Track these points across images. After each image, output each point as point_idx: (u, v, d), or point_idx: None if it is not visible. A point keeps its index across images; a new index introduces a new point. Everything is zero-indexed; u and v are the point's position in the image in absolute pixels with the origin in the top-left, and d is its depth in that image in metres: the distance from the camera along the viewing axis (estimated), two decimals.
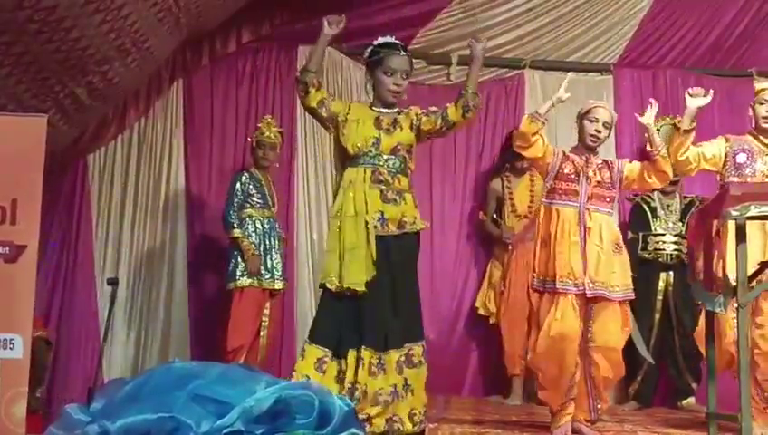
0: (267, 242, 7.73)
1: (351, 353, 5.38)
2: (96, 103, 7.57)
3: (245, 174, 7.81)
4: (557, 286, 5.78)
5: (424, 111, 5.71)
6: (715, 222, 5.40)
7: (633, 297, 6.00)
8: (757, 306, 5.97)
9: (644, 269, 7.84)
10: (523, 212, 8.24)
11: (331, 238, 5.59)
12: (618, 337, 5.92)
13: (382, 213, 5.46)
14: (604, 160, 6.09)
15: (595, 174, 5.94)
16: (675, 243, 7.98)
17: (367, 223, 5.41)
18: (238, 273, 7.61)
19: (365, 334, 5.37)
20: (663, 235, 8.02)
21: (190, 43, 8.49)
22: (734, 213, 4.78)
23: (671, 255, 7.98)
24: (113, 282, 6.93)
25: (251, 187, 7.76)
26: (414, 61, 8.81)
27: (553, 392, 5.89)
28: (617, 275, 5.87)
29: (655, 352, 7.97)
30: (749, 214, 4.78)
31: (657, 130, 6.33)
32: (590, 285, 5.77)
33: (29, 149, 5.63)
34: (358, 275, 5.37)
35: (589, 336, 5.84)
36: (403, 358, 5.41)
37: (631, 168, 6.06)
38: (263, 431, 4.16)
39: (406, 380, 5.40)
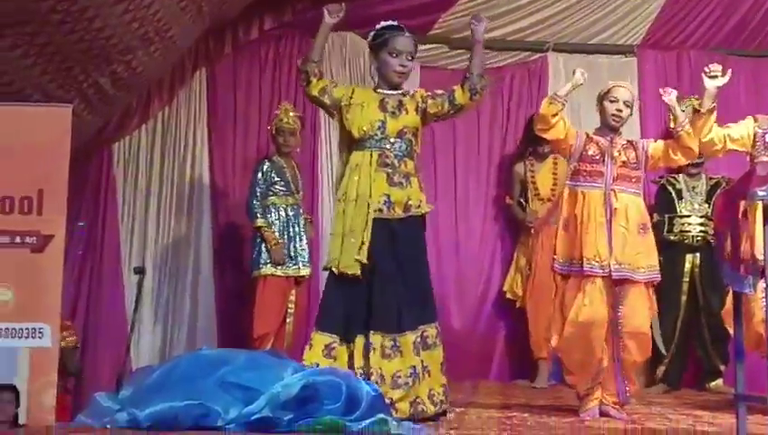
0: (291, 229, 7.73)
1: (359, 339, 5.38)
2: (120, 93, 7.59)
3: (267, 162, 7.80)
4: (584, 268, 5.76)
5: (429, 93, 5.69)
6: (743, 203, 5.35)
7: (659, 279, 5.97)
8: None
9: (670, 251, 7.80)
10: (546, 196, 8.21)
11: (336, 222, 5.59)
12: (646, 320, 5.91)
13: (388, 196, 5.45)
14: (629, 141, 6.06)
15: (620, 154, 5.91)
16: (701, 224, 7.94)
17: (369, 206, 5.39)
18: (262, 261, 7.61)
19: (373, 318, 5.36)
20: (688, 216, 7.98)
21: (213, 31, 8.49)
22: (761, 193, 4.73)
23: (697, 236, 7.94)
24: (140, 271, 6.96)
25: (273, 175, 7.74)
26: (436, 45, 8.92)
27: (581, 377, 5.88)
28: (642, 257, 5.85)
29: (682, 334, 7.94)
30: None
31: (682, 110, 6.28)
32: (616, 266, 5.75)
33: (55, 140, 5.67)
34: (352, 259, 5.37)
35: (618, 321, 5.81)
36: (419, 339, 5.40)
37: (656, 146, 6.03)
38: (290, 417, 4.18)
39: (422, 361, 5.40)
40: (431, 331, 5.49)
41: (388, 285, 5.38)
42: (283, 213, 7.73)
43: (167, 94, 8.70)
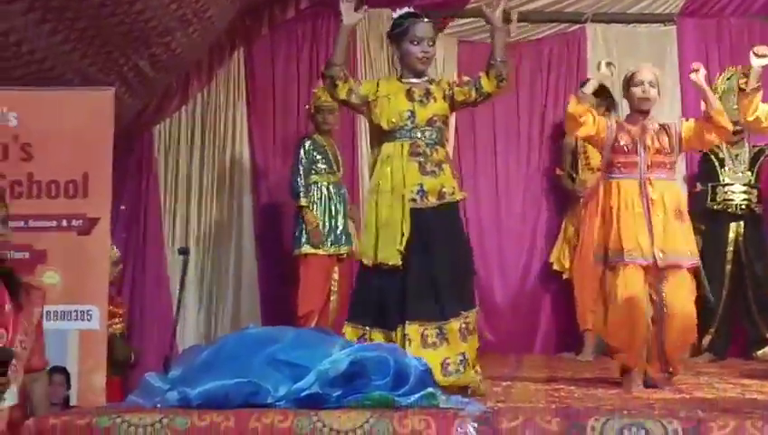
0: (333, 208, 7.76)
1: (398, 330, 5.37)
2: (159, 75, 7.64)
3: (309, 141, 7.83)
4: (625, 259, 5.76)
5: (456, 80, 5.63)
6: None
7: (700, 263, 5.96)
8: None
9: (713, 220, 7.78)
10: (597, 165, 8.14)
11: (368, 214, 5.51)
12: (691, 303, 5.88)
13: (421, 185, 5.39)
14: (661, 125, 6.00)
15: (653, 141, 5.87)
16: (744, 193, 7.88)
17: (404, 197, 5.37)
18: (303, 240, 7.65)
19: (409, 309, 5.33)
20: (732, 184, 7.93)
21: (249, 11, 8.52)
22: None
23: (741, 205, 7.89)
24: (184, 251, 6.99)
25: (315, 153, 7.78)
26: (473, 19, 8.87)
27: (629, 354, 5.87)
28: (683, 241, 5.83)
29: (727, 303, 7.91)
30: None
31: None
32: (661, 255, 5.73)
33: (98, 123, 5.74)
34: (392, 250, 5.35)
35: (662, 304, 5.80)
36: (464, 326, 5.40)
37: (688, 126, 5.97)
38: (339, 393, 4.18)
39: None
40: (472, 316, 5.48)
41: (423, 275, 5.34)
42: (325, 190, 7.76)
43: (205, 75, 8.75)
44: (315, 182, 7.75)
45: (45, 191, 5.73)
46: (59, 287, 5.50)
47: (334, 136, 8.04)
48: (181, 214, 8.72)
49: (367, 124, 8.55)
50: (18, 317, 4.11)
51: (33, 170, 5.74)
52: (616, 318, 5.80)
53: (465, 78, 5.61)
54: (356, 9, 5.56)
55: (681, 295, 5.82)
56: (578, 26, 9.02)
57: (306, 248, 7.64)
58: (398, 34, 5.52)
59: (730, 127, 5.96)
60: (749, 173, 7.92)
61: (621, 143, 5.88)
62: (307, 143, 7.79)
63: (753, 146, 8.03)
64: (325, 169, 7.78)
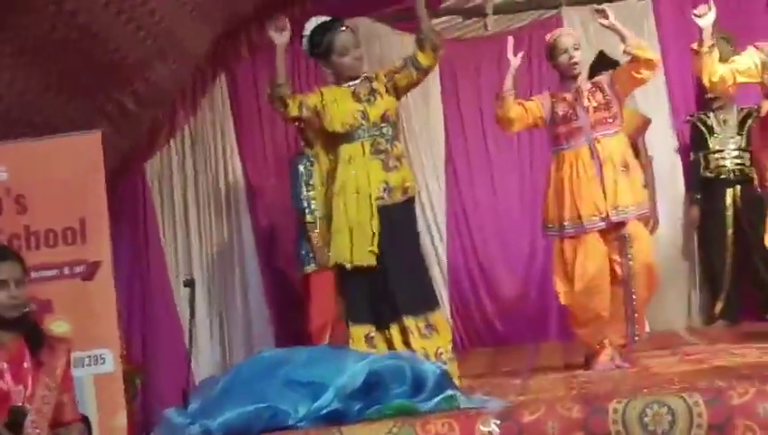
0: None
1: (393, 326, 5.37)
2: (144, 110, 7.65)
3: (304, 158, 7.80)
4: (585, 226, 5.79)
5: (389, 69, 5.58)
6: None
7: (648, 213, 6.10)
8: None
9: (709, 188, 7.81)
10: None
11: (337, 217, 5.45)
12: (651, 254, 5.96)
13: (387, 183, 5.39)
14: (593, 83, 6.02)
15: (590, 100, 5.89)
16: (736, 157, 7.87)
17: (371, 196, 5.37)
18: (309, 258, 7.64)
19: (400, 303, 5.35)
20: (722, 151, 7.92)
21: (228, 35, 8.52)
22: None
23: (734, 170, 7.87)
24: (190, 283, 6.96)
25: (312, 168, 7.75)
26: (448, 18, 8.85)
27: (593, 329, 5.91)
28: (629, 195, 5.85)
29: (734, 268, 7.90)
30: None
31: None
32: (613, 211, 5.77)
33: (89, 167, 5.72)
34: (365, 251, 5.35)
35: (629, 263, 5.84)
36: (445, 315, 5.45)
37: (616, 72, 6.00)
38: (360, 407, 4.18)
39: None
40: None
41: (403, 269, 5.37)
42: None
43: (191, 104, 8.74)
44: (315, 198, 7.73)
45: (44, 241, 5.71)
46: (68, 335, 5.49)
47: None
48: (183, 245, 8.71)
49: None
50: (38, 373, 4.13)
51: (29, 222, 5.72)
52: (581, 289, 5.84)
53: (398, 63, 5.59)
54: (283, 29, 5.52)
55: (643, 249, 5.87)
56: (553, 12, 8.96)
57: (313, 267, 7.63)
58: (322, 53, 5.49)
59: (655, 56, 5.95)
60: (739, 137, 7.90)
61: (560, 113, 5.91)
62: (303, 160, 7.77)
63: (741, 109, 8.00)
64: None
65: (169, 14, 6.72)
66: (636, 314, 5.93)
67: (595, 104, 5.88)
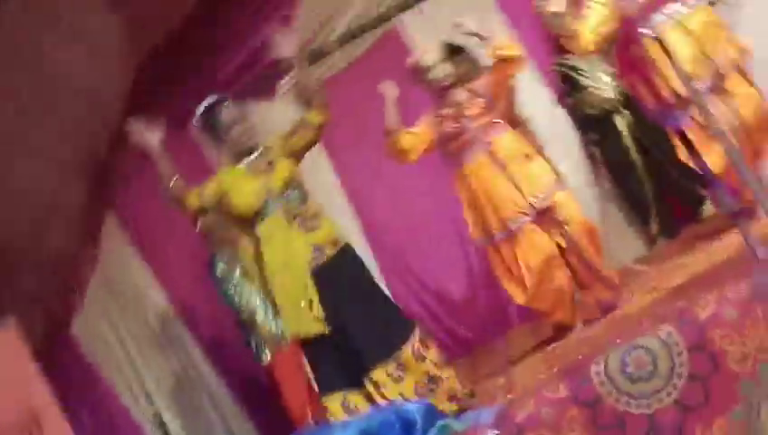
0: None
1: (368, 381, 5.35)
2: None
3: (217, 258, 7.71)
4: (512, 228, 5.83)
5: (283, 136, 5.60)
6: (634, 47, 5.40)
7: (564, 191, 6.13)
8: None
9: (599, 125, 7.84)
10: None
11: (278, 295, 5.49)
12: (579, 210, 6.11)
13: (314, 244, 5.39)
14: (469, 90, 6.06)
15: (470, 108, 5.94)
16: (611, 84, 7.86)
17: (300, 265, 5.34)
18: (261, 349, 7.56)
19: (366, 359, 5.34)
20: (596, 85, 7.91)
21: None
22: (646, 31, 4.78)
23: (616, 98, 7.86)
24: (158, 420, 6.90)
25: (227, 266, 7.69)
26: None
27: (563, 310, 5.94)
28: (543, 179, 5.95)
29: (654, 185, 7.92)
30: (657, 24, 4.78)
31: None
32: (536, 201, 5.82)
33: (15, 361, 5.62)
34: (311, 321, 5.33)
35: (564, 227, 5.88)
36: (415, 347, 5.40)
37: (487, 79, 6.05)
38: None
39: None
40: (415, 334, 5.49)
41: (360, 320, 5.36)
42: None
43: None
44: (242, 292, 7.65)
45: None
46: None
47: None
48: (138, 385, 8.54)
49: None
50: None
51: None
52: (535, 282, 5.85)
53: (289, 128, 5.58)
54: (149, 129, 5.49)
55: (573, 215, 5.92)
56: (386, 27, 8.56)
57: (268, 356, 7.55)
58: (211, 137, 5.48)
59: (519, 51, 6.01)
60: (607, 65, 7.91)
61: (449, 130, 5.94)
62: (218, 262, 7.65)
63: None
64: None
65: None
66: (600, 271, 5.97)
67: (477, 110, 5.92)
